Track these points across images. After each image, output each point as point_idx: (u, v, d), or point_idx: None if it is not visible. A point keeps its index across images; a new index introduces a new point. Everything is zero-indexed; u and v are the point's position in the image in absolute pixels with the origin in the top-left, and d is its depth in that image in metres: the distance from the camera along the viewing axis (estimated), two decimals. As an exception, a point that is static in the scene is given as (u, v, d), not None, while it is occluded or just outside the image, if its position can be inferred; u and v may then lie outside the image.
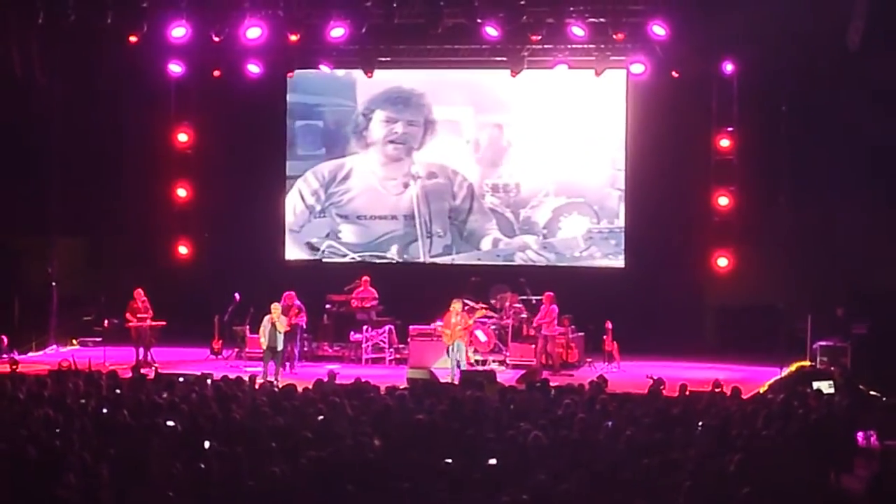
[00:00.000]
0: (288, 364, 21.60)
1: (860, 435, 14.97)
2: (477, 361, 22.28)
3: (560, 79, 24.27)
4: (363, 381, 16.68)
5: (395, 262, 25.66)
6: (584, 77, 23.95)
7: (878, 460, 12.52)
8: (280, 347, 20.90)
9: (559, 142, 25.10)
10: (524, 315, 23.11)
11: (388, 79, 25.44)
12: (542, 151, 25.20)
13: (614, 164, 24.86)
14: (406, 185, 25.73)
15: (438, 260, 25.59)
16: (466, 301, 22.39)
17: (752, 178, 23.52)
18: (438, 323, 21.86)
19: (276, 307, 20.98)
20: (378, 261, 25.62)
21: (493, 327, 23.04)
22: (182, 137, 25.54)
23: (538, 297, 22.90)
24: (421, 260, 25.66)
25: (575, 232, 25.10)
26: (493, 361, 22.64)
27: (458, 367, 20.86)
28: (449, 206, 25.58)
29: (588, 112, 24.95)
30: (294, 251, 26.25)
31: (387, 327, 23.26)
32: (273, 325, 20.72)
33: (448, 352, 21.26)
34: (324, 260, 25.97)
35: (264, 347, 20.81)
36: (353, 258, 25.83)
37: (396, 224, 25.77)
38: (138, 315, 22.37)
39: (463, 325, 21.25)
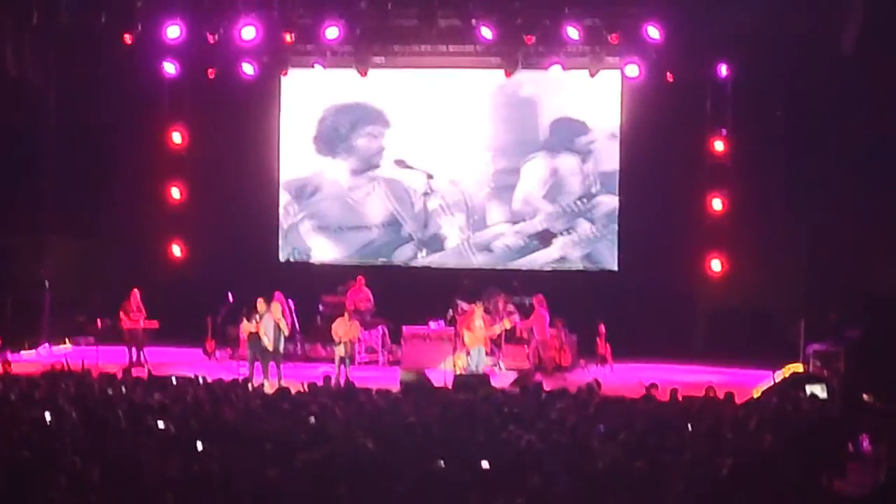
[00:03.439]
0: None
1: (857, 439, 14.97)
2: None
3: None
4: (355, 385, 16.67)
5: (386, 264, 25.50)
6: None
7: (875, 467, 12.49)
8: (282, 349, 20.72)
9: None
10: (517, 317, 23.09)
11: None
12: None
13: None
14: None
15: (426, 262, 25.50)
16: (487, 309, 22.38)
17: (745, 182, 23.54)
18: (439, 324, 21.88)
19: (276, 307, 20.72)
20: (371, 263, 25.51)
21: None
22: (176, 138, 25.50)
23: (530, 300, 22.89)
24: (413, 263, 25.54)
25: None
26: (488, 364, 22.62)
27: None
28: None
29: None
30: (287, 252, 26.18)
31: (380, 329, 23.20)
32: (277, 325, 20.48)
33: (468, 354, 21.26)
34: (314, 261, 25.88)
35: (269, 350, 20.52)
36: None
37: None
38: (131, 314, 22.30)
39: (487, 331, 21.31)
